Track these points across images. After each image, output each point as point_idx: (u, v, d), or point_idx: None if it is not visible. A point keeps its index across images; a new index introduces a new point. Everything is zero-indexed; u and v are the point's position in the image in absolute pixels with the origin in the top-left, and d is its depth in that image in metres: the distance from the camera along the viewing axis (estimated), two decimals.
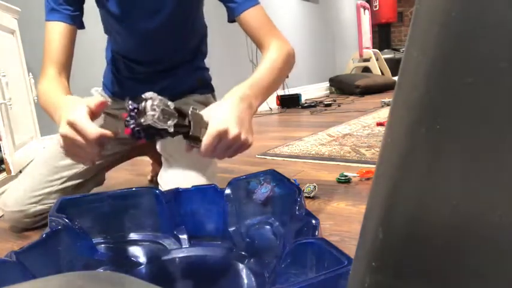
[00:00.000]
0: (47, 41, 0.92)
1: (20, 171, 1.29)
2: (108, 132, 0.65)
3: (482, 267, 0.19)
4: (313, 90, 4.18)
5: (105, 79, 1.17)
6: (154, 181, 1.34)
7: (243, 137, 0.71)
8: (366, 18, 4.57)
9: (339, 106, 3.09)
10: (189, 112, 0.67)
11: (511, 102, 0.18)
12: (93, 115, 0.67)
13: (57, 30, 0.92)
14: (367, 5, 4.63)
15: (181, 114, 0.66)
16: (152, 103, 0.60)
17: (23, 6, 1.64)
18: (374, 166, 1.25)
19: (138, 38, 1.02)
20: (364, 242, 0.25)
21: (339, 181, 1.14)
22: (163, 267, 0.72)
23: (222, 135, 0.67)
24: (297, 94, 3.34)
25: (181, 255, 0.76)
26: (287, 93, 3.55)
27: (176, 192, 0.79)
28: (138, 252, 0.76)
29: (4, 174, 1.20)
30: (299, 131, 2.11)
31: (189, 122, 0.67)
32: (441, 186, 0.20)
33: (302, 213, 0.66)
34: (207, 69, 1.20)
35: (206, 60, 1.26)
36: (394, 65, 4.49)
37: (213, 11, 1.48)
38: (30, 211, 0.98)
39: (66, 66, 0.96)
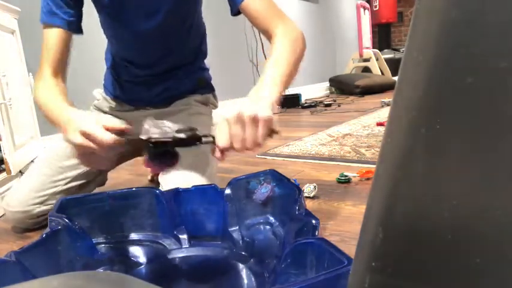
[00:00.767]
0: (45, 45, 0.95)
1: (20, 171, 1.29)
2: (121, 139, 0.67)
3: (482, 266, 0.19)
4: (313, 90, 4.18)
5: (106, 82, 1.17)
6: (154, 181, 1.34)
7: (259, 113, 0.63)
8: (366, 18, 4.57)
9: (339, 106, 3.09)
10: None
11: (511, 102, 0.18)
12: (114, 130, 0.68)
13: (55, 35, 0.95)
14: (367, 5, 4.63)
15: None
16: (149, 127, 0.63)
17: (23, 6, 1.64)
18: (374, 166, 1.25)
19: (137, 40, 1.02)
20: (364, 242, 0.25)
21: (339, 181, 1.14)
22: (164, 267, 0.72)
23: (234, 119, 0.63)
24: (297, 94, 3.34)
25: (181, 255, 0.76)
26: (287, 93, 3.54)
27: (176, 192, 0.79)
28: (138, 252, 0.76)
29: (4, 174, 1.20)
30: (299, 131, 2.11)
31: (192, 129, 0.66)
32: (441, 186, 0.20)
33: (302, 213, 0.66)
34: (207, 69, 1.20)
35: (206, 60, 1.26)
36: (394, 65, 4.48)
37: (212, 11, 1.48)
38: (34, 211, 0.98)
39: (63, 69, 0.97)
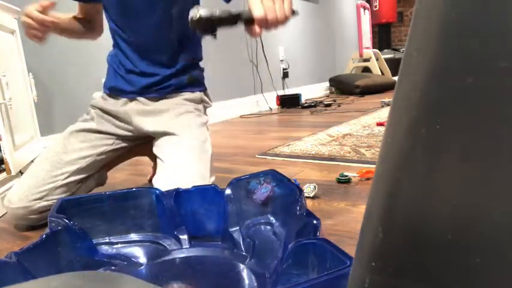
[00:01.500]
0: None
1: (20, 171, 1.29)
2: (45, 4, 0.97)
3: (483, 266, 0.19)
4: (313, 90, 4.18)
5: (106, 78, 1.20)
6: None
7: None
8: (366, 18, 4.57)
9: (339, 106, 3.09)
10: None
11: (511, 102, 0.18)
12: (44, 9, 0.98)
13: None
14: (367, 5, 4.63)
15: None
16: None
17: (23, 6, 1.64)
18: (374, 166, 1.25)
19: (142, 27, 1.08)
20: (364, 242, 0.25)
21: (339, 181, 1.14)
22: (164, 267, 0.72)
23: None
24: (297, 94, 3.34)
25: (181, 255, 0.76)
26: (287, 93, 3.55)
27: (176, 193, 0.79)
28: (138, 253, 0.76)
29: (4, 174, 1.20)
30: (299, 131, 2.11)
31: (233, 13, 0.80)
32: (441, 186, 0.20)
33: (303, 213, 0.66)
34: (201, 69, 1.21)
35: (206, 60, 1.26)
36: (394, 65, 4.48)
37: None
38: (35, 207, 0.99)
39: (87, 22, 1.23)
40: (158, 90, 1.12)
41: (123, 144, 1.15)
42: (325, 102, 3.27)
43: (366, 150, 1.50)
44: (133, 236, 0.79)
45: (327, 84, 4.38)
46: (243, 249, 0.74)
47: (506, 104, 0.18)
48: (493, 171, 0.19)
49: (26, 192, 0.99)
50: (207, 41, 1.34)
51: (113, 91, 1.15)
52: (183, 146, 1.02)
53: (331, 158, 1.43)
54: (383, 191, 0.23)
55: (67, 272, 0.30)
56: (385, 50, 5.01)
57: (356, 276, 0.25)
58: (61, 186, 1.03)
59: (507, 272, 0.19)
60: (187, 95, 1.14)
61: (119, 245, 0.77)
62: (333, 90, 4.31)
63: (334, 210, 0.94)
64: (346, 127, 2.07)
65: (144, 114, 1.11)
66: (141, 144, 1.21)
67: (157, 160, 1.04)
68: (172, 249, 0.77)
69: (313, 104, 3.21)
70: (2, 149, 1.17)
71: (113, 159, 1.18)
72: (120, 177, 1.46)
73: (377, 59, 4.40)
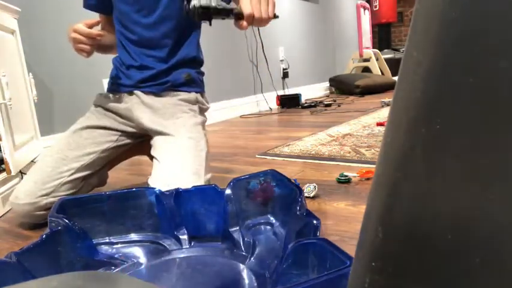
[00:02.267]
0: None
1: (20, 171, 1.29)
2: (90, 22, 1.02)
3: (483, 266, 0.19)
4: (313, 90, 4.18)
5: (109, 79, 1.23)
6: None
7: None
8: (366, 18, 4.57)
9: (339, 106, 3.09)
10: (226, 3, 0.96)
11: (511, 102, 0.18)
12: (90, 26, 1.02)
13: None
14: (367, 5, 4.63)
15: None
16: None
17: (23, 6, 1.65)
18: (374, 166, 1.25)
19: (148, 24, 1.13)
20: (364, 242, 0.25)
21: (339, 181, 1.14)
22: (164, 267, 0.72)
23: None
24: (297, 94, 3.34)
25: (181, 255, 0.76)
26: (287, 93, 3.55)
27: (176, 193, 0.79)
28: (138, 253, 0.76)
29: (4, 174, 1.20)
30: (299, 131, 2.11)
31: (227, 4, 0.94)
32: (441, 186, 0.20)
33: (303, 213, 0.66)
34: (201, 73, 1.24)
35: (207, 61, 1.27)
36: (394, 65, 4.48)
37: None
38: (42, 203, 1.00)
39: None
40: (155, 86, 1.15)
41: (127, 141, 1.17)
42: (325, 102, 3.27)
43: (366, 150, 1.50)
44: (133, 236, 0.79)
45: (327, 84, 4.37)
46: (243, 249, 0.74)
47: (506, 104, 0.18)
48: (493, 171, 0.19)
49: (32, 189, 1.00)
50: (206, 41, 1.34)
51: (113, 86, 1.18)
52: (177, 146, 1.04)
53: (331, 158, 1.43)
54: (383, 191, 0.23)
55: (67, 272, 0.30)
56: (385, 50, 5.01)
57: (356, 276, 0.25)
58: (67, 182, 1.04)
59: (507, 272, 0.19)
60: (183, 95, 1.16)
61: (119, 245, 0.77)
62: (333, 90, 4.31)
63: (334, 210, 0.94)
64: (346, 127, 2.07)
65: (144, 107, 1.13)
66: (142, 142, 1.22)
67: (154, 160, 1.05)
68: (172, 249, 0.77)
69: (313, 104, 3.21)
70: (2, 149, 1.17)
71: (115, 156, 1.20)
72: (120, 177, 1.46)
73: (377, 59, 4.40)
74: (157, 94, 1.15)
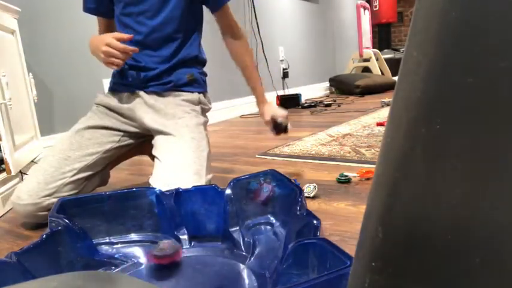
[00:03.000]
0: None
1: (20, 171, 1.29)
2: (124, 36, 1.03)
3: (483, 266, 0.19)
4: (313, 90, 4.18)
5: (110, 80, 1.24)
6: None
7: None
8: (366, 18, 4.57)
9: (339, 106, 3.09)
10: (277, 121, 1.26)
11: (511, 102, 0.18)
12: (123, 40, 1.03)
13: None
14: (367, 5, 4.63)
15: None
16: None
17: (23, 6, 1.65)
18: (374, 166, 1.25)
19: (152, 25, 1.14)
20: (364, 242, 0.25)
21: (339, 181, 1.14)
22: (164, 267, 0.72)
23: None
24: (297, 94, 3.33)
25: (181, 255, 0.76)
26: (287, 93, 3.55)
27: (176, 193, 0.79)
28: (138, 253, 0.76)
29: (4, 174, 1.20)
30: (299, 131, 2.11)
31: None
32: (441, 186, 0.20)
33: (303, 213, 0.66)
34: (203, 73, 1.25)
35: (207, 60, 1.28)
36: (394, 65, 4.48)
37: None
38: (45, 204, 1.00)
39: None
40: (158, 86, 1.15)
41: (129, 141, 1.18)
42: (325, 102, 3.26)
43: (366, 150, 1.50)
44: (134, 236, 0.79)
45: (327, 84, 4.37)
46: (243, 249, 0.74)
47: (506, 104, 0.18)
48: (493, 171, 0.19)
49: (35, 189, 1.00)
50: (206, 41, 1.35)
51: (115, 86, 1.19)
52: (179, 146, 1.04)
53: (331, 158, 1.43)
54: (383, 191, 0.23)
55: (67, 272, 0.29)
56: (385, 50, 5.01)
57: (356, 276, 0.25)
58: (69, 183, 1.04)
59: (507, 272, 0.19)
60: (186, 95, 1.17)
61: (119, 245, 0.77)
62: (333, 90, 4.31)
63: (334, 210, 0.94)
64: (346, 127, 2.07)
65: (146, 107, 1.14)
66: (143, 142, 1.22)
67: (155, 160, 1.05)
68: None
69: (313, 104, 3.21)
70: (2, 149, 1.17)
71: (117, 157, 1.20)
72: (120, 177, 1.46)
73: (377, 59, 4.40)
74: (160, 94, 1.16)
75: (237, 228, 0.77)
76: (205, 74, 1.26)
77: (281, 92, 3.56)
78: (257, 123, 2.65)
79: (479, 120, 0.19)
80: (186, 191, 0.80)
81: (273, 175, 0.80)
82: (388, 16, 5.21)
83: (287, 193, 0.76)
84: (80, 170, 1.06)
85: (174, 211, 0.78)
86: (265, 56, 3.31)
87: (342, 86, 4.06)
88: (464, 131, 0.19)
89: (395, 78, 2.99)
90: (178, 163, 1.00)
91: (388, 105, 2.79)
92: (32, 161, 1.42)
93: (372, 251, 0.23)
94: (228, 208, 0.77)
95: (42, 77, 1.81)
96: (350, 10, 5.09)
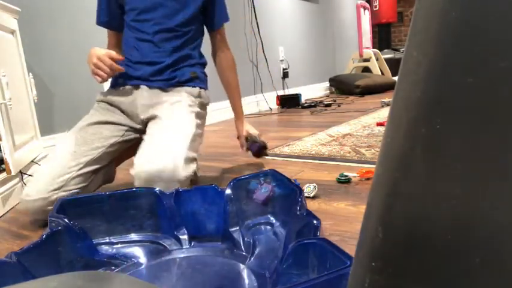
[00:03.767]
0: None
1: (20, 171, 1.29)
2: (116, 56, 1.10)
3: (483, 266, 0.19)
4: (313, 90, 4.18)
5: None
6: None
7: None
8: (366, 18, 4.57)
9: (339, 106, 3.09)
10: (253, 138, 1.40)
11: (511, 102, 0.18)
12: (114, 59, 1.10)
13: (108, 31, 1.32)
14: (367, 5, 4.63)
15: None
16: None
17: (23, 6, 1.64)
18: (374, 166, 1.25)
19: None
20: (364, 242, 0.25)
21: (339, 181, 1.14)
22: (164, 267, 0.72)
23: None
24: (297, 94, 3.34)
25: (181, 255, 0.76)
26: (287, 93, 3.55)
27: (176, 193, 0.79)
28: (138, 253, 0.76)
29: (4, 174, 1.20)
30: (299, 131, 2.11)
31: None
32: (441, 186, 0.20)
33: (303, 213, 0.66)
34: (204, 73, 1.31)
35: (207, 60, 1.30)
36: (394, 65, 4.48)
37: None
38: (53, 198, 1.01)
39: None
40: (163, 81, 1.20)
41: (133, 136, 1.21)
42: (325, 102, 3.27)
43: (366, 150, 1.50)
44: (134, 236, 0.79)
45: (327, 84, 4.37)
46: (243, 249, 0.74)
47: (506, 104, 0.18)
48: (493, 171, 0.19)
49: (43, 184, 1.02)
50: (207, 41, 1.35)
51: (119, 80, 1.22)
52: (166, 126, 1.10)
53: (331, 158, 1.43)
54: (383, 191, 0.23)
55: (67, 272, 0.29)
56: (385, 50, 5.01)
57: (356, 276, 0.25)
58: (76, 176, 1.06)
59: (507, 272, 0.19)
60: (187, 89, 1.23)
61: (119, 245, 0.77)
62: (333, 90, 4.31)
63: (334, 210, 0.94)
64: (346, 127, 2.07)
65: (148, 104, 1.18)
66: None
67: (142, 141, 1.10)
68: (172, 249, 0.77)
69: (313, 104, 3.21)
70: (2, 149, 1.17)
71: (122, 151, 1.23)
72: (120, 177, 1.46)
73: (377, 59, 4.40)
74: (163, 89, 1.20)
75: (237, 228, 0.77)
76: (206, 75, 1.32)
77: (281, 92, 3.56)
78: (257, 123, 2.65)
79: (480, 120, 0.19)
80: (186, 191, 0.80)
81: (273, 175, 0.80)
82: (388, 16, 5.21)
83: (287, 193, 0.76)
84: (86, 164, 1.08)
85: (174, 211, 0.78)
86: (265, 56, 3.31)
87: (342, 86, 4.06)
88: (464, 131, 0.19)
89: (395, 78, 2.99)
90: (163, 140, 1.05)
91: (388, 105, 2.79)
92: (32, 161, 1.42)
93: (372, 251, 0.23)
94: (228, 208, 0.77)
95: (42, 77, 1.81)
96: (350, 10, 5.09)
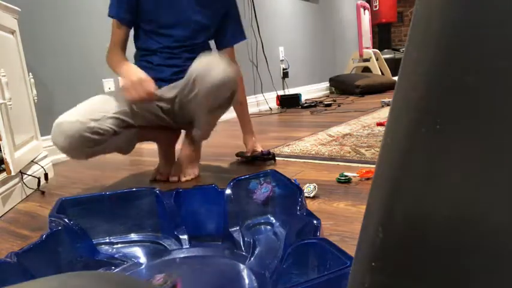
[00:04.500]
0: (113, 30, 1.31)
1: (20, 171, 1.29)
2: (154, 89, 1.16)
3: (482, 267, 0.19)
4: (313, 90, 4.18)
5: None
6: (156, 181, 1.34)
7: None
8: (366, 18, 4.56)
9: (339, 106, 3.09)
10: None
11: (511, 102, 0.18)
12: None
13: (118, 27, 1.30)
14: (367, 5, 4.63)
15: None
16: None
17: (23, 6, 1.64)
18: (374, 166, 1.25)
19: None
20: (364, 242, 0.25)
21: (339, 181, 1.14)
22: (164, 267, 0.72)
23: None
24: (297, 94, 3.33)
25: (181, 255, 0.76)
26: (287, 93, 3.55)
27: (176, 193, 0.79)
28: (138, 253, 0.76)
29: (4, 174, 1.20)
30: (299, 131, 2.11)
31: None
32: (441, 186, 0.20)
33: (303, 214, 0.66)
34: None
35: None
36: (394, 65, 4.48)
37: None
38: (91, 125, 1.07)
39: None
40: (182, 78, 1.28)
41: (167, 119, 1.30)
42: (325, 102, 3.26)
43: (366, 150, 1.50)
44: (134, 236, 0.79)
45: (327, 84, 4.37)
46: (243, 249, 0.74)
47: (506, 104, 0.18)
48: (493, 171, 0.19)
49: (83, 111, 1.09)
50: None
51: None
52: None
53: (331, 158, 1.43)
54: (383, 191, 0.23)
55: (67, 272, 0.29)
56: (385, 50, 5.01)
57: (356, 276, 0.25)
58: (111, 117, 1.13)
59: (507, 272, 0.19)
60: None
61: (119, 245, 0.77)
62: (333, 90, 4.30)
63: (334, 210, 0.93)
64: (346, 127, 2.07)
65: (172, 86, 1.29)
66: (173, 133, 1.39)
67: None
68: (173, 249, 0.77)
69: (313, 104, 3.21)
70: (2, 149, 1.17)
71: (148, 129, 1.30)
72: (120, 177, 1.46)
73: (377, 59, 4.40)
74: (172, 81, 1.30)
75: (237, 228, 0.77)
76: None
77: (281, 92, 3.56)
78: (257, 123, 2.65)
79: (479, 120, 0.19)
80: (186, 191, 0.80)
81: (273, 175, 0.80)
82: (388, 16, 5.21)
83: (287, 193, 0.76)
84: (119, 112, 1.16)
85: (174, 211, 0.78)
86: (265, 56, 3.31)
87: (342, 86, 4.06)
88: (464, 131, 0.19)
89: (395, 78, 2.98)
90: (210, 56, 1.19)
91: (388, 105, 2.79)
92: (32, 161, 1.42)
93: (372, 251, 0.23)
94: (228, 208, 0.77)
95: (42, 77, 1.81)
96: (350, 10, 5.09)
